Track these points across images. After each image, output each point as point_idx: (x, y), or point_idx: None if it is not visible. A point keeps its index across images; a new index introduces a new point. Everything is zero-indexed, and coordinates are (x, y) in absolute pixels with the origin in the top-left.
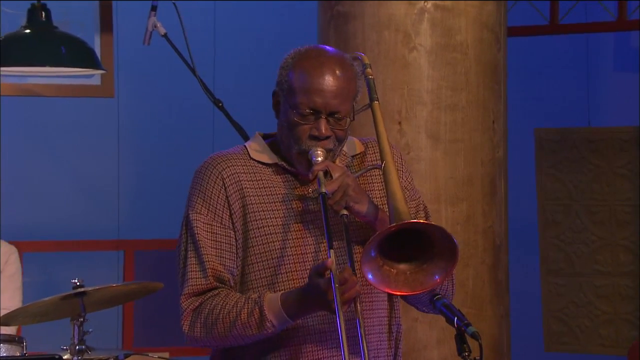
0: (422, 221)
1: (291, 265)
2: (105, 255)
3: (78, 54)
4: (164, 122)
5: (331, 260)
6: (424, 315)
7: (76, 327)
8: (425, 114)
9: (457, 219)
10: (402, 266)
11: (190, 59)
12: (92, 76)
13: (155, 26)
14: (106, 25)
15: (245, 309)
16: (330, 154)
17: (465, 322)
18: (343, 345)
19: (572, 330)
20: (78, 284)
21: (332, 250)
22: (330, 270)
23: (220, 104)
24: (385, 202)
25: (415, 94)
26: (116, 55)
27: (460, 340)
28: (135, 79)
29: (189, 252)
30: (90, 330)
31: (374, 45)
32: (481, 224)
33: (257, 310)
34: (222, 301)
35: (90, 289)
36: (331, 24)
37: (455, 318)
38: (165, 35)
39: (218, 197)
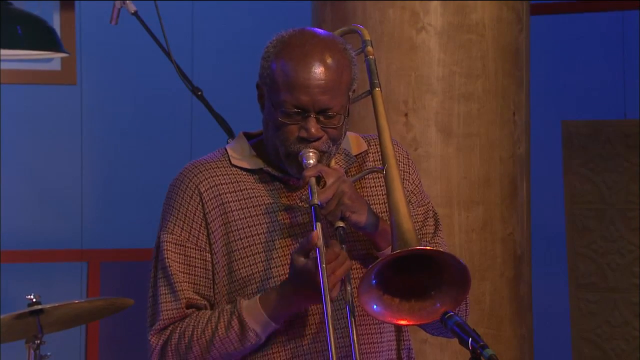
0: (429, 247)
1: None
2: (67, 267)
3: (37, 34)
4: (134, 113)
5: (317, 234)
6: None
7: (32, 351)
8: (435, 104)
9: (472, 226)
10: (406, 294)
11: (165, 40)
12: (51, 60)
13: (124, 3)
14: (67, 1)
15: (222, 323)
16: (324, 156)
17: (482, 343)
18: (331, 343)
19: (606, 354)
20: (34, 300)
21: (318, 224)
22: (317, 247)
23: (199, 93)
24: (388, 209)
25: (424, 81)
26: (79, 36)
27: None
28: (101, 64)
29: (159, 280)
30: (49, 354)
31: (376, 25)
32: (500, 231)
33: (235, 320)
34: (193, 321)
35: (48, 306)
36: (327, 0)
37: (470, 339)
38: (135, 13)
39: (194, 214)
